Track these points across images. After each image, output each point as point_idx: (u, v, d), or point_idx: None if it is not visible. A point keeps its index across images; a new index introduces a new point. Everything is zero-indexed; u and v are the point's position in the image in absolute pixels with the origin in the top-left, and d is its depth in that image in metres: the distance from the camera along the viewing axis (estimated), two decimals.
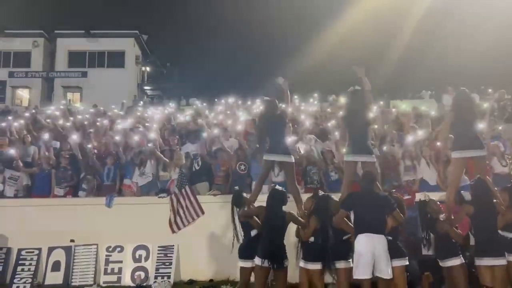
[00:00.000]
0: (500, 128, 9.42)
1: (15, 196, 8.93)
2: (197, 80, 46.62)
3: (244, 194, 6.41)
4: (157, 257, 7.87)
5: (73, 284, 7.75)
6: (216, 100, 16.69)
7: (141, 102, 21.10)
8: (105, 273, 7.87)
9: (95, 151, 9.57)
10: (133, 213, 8.06)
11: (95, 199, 8.51)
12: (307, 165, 8.40)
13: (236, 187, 6.72)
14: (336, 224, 5.59)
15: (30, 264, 7.91)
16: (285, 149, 6.67)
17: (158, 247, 7.92)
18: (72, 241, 8.01)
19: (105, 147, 9.84)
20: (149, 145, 9.29)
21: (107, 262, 7.93)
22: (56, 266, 7.89)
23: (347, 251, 5.63)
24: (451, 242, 5.68)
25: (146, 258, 7.89)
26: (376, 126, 9.16)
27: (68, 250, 7.97)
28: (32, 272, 7.82)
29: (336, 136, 8.94)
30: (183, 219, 7.94)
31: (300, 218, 5.83)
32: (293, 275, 5.81)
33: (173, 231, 7.95)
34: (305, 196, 6.46)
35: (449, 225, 5.71)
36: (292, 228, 5.87)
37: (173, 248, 7.89)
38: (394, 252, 5.36)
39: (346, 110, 6.88)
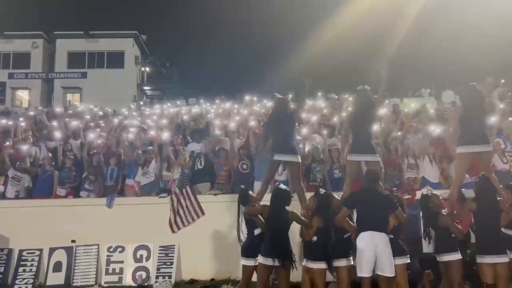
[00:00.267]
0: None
1: (16, 197, 8.92)
2: (197, 80, 46.59)
3: (250, 192, 6.42)
4: (158, 257, 7.86)
5: (74, 284, 7.74)
6: (216, 100, 16.68)
7: (141, 102, 21.11)
8: (107, 273, 7.86)
9: (100, 151, 9.57)
10: (134, 213, 8.07)
11: (96, 200, 8.52)
12: (311, 163, 8.38)
13: (242, 186, 6.68)
14: (338, 222, 5.60)
15: (32, 265, 7.91)
16: (292, 149, 6.58)
17: (159, 247, 7.91)
18: (73, 241, 8.01)
19: (107, 147, 9.84)
20: (163, 138, 9.28)
21: (108, 262, 7.93)
22: (57, 267, 7.89)
23: (348, 249, 5.65)
24: (450, 237, 5.67)
25: (147, 258, 7.89)
26: (382, 125, 9.12)
27: (69, 250, 7.97)
28: (34, 273, 7.82)
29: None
30: (183, 219, 7.92)
31: (303, 218, 5.81)
32: (295, 274, 5.78)
33: (173, 231, 7.94)
34: (307, 195, 6.45)
35: (451, 219, 5.71)
36: (295, 227, 5.85)
37: (174, 248, 7.88)
38: (395, 250, 5.38)
39: (353, 109, 6.85)
